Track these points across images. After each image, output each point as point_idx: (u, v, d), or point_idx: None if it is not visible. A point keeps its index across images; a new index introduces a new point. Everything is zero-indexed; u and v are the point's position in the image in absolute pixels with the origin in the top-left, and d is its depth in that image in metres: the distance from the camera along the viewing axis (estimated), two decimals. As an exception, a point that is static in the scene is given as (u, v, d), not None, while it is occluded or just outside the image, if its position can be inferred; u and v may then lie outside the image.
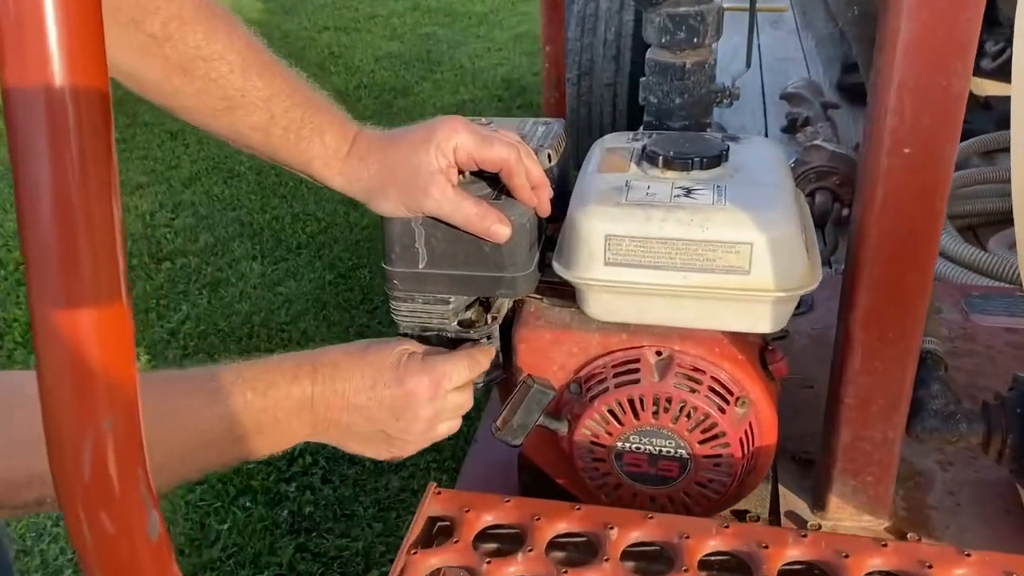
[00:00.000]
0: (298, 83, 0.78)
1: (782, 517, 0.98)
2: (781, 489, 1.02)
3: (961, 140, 2.15)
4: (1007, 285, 1.62)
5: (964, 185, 1.95)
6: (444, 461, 2.02)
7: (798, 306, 1.41)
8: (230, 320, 2.61)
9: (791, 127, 2.48)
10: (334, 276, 2.81)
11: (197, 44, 0.73)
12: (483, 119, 0.96)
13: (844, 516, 0.96)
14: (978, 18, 0.72)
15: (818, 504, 0.98)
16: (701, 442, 0.83)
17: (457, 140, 0.78)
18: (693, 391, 0.82)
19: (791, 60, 3.11)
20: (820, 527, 0.96)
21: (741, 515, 0.96)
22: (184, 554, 1.87)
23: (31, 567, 1.83)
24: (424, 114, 4.25)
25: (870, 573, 0.66)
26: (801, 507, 1.00)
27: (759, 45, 3.14)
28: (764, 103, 2.74)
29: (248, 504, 1.98)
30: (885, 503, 0.95)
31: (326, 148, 0.79)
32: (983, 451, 0.94)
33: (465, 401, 0.84)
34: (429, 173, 0.77)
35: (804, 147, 1.97)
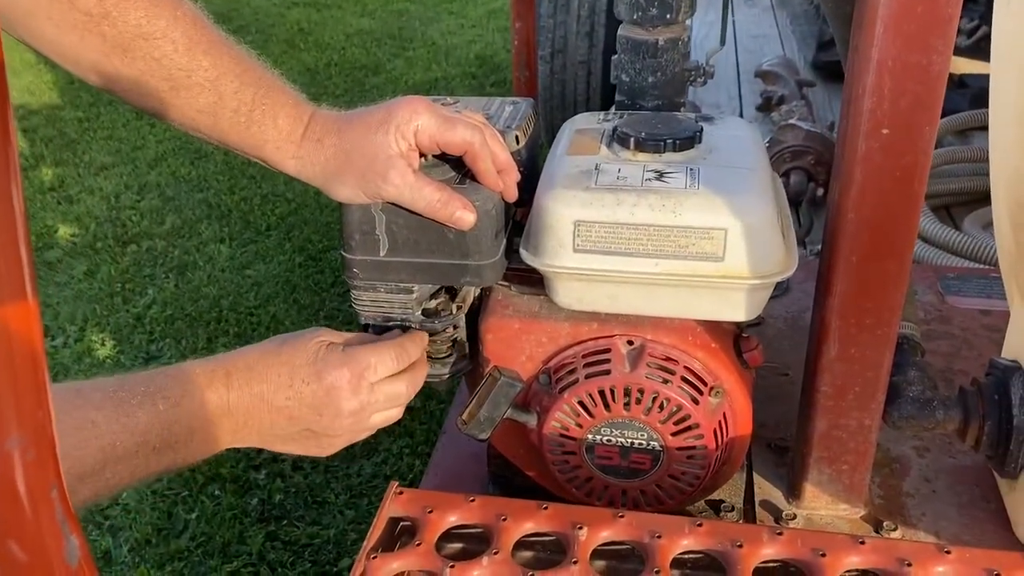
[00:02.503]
0: (249, 62, 0.74)
1: (757, 506, 0.96)
2: (756, 477, 1.00)
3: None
4: (983, 266, 1.61)
5: (939, 164, 1.93)
6: (417, 446, 1.99)
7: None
8: (198, 304, 2.55)
9: (766, 105, 2.46)
10: (304, 258, 2.76)
11: (138, 22, 0.68)
12: (449, 98, 0.92)
13: (820, 505, 0.95)
14: (959, -6, 0.70)
15: (793, 493, 0.96)
16: (674, 434, 0.81)
17: (418, 122, 0.74)
18: (666, 382, 0.79)
19: (766, 37, 3.09)
20: (795, 516, 0.94)
21: (715, 505, 0.95)
22: (151, 544, 1.83)
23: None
24: (396, 92, 4.17)
25: (847, 571, 0.64)
26: (776, 496, 0.98)
27: (733, 22, 3.11)
28: (739, 81, 2.71)
29: (217, 492, 1.94)
30: (861, 491, 0.93)
31: (279, 131, 0.74)
32: (960, 438, 0.92)
33: (401, 390, 0.78)
34: (388, 157, 0.73)
35: (779, 126, 1.95)
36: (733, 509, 0.94)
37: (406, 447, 2.01)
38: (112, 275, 2.70)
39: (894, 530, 0.92)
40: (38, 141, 3.61)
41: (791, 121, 1.93)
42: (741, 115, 2.52)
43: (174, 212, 3.05)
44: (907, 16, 0.71)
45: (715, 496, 0.95)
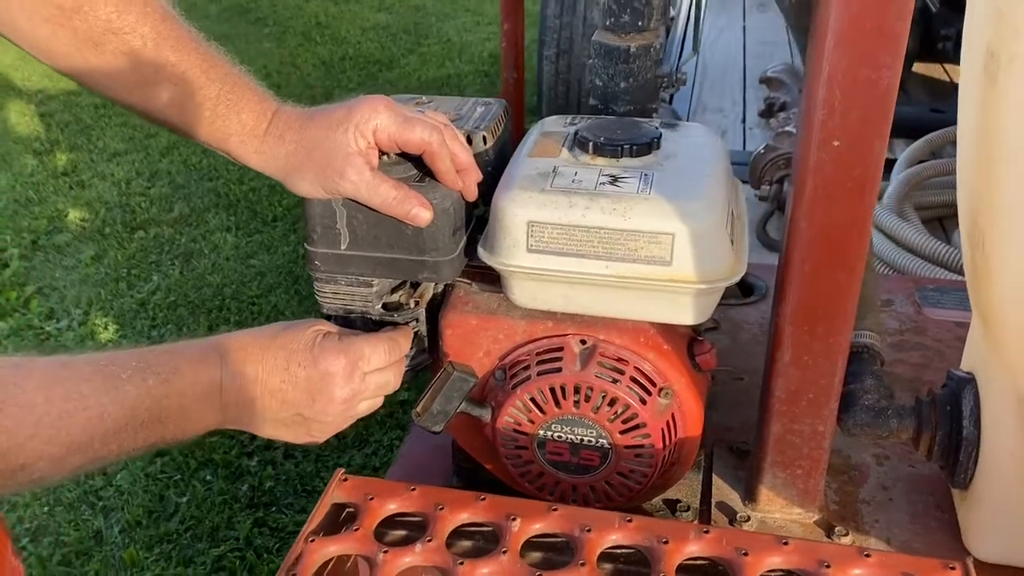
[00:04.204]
0: (215, 58, 0.76)
1: (713, 508, 0.98)
2: (715, 480, 1.02)
3: (937, 128, 2.12)
4: (964, 278, 1.61)
5: (932, 176, 1.93)
6: (407, 439, 2.02)
7: (751, 294, 1.40)
8: (201, 292, 2.59)
9: (768, 111, 2.46)
10: (308, 250, 2.79)
11: (108, 17, 0.71)
12: (423, 97, 0.95)
13: (774, 508, 0.96)
14: (907, 12, 0.71)
15: (749, 496, 0.97)
16: (622, 432, 0.82)
17: (377, 121, 0.76)
18: (615, 381, 0.81)
19: (775, 44, 3.09)
20: (749, 518, 0.96)
21: (672, 504, 0.96)
22: (142, 526, 1.87)
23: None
24: (409, 88, 4.18)
25: (771, 571, 0.66)
26: (733, 498, 0.99)
27: (744, 28, 3.12)
28: (744, 86, 2.72)
29: (209, 477, 1.98)
30: (815, 496, 0.95)
31: (243, 125, 0.77)
32: (914, 446, 0.94)
33: (388, 381, 0.82)
34: (347, 155, 0.75)
35: (776, 133, 1.95)
36: (688, 509, 0.96)
37: (397, 439, 2.03)
38: (119, 260, 2.74)
39: (845, 535, 0.94)
40: (54, 126, 3.67)
41: (787, 128, 1.93)
42: (744, 120, 2.53)
43: (183, 200, 3.10)
44: (857, 31, 0.72)
45: (673, 496, 0.97)
